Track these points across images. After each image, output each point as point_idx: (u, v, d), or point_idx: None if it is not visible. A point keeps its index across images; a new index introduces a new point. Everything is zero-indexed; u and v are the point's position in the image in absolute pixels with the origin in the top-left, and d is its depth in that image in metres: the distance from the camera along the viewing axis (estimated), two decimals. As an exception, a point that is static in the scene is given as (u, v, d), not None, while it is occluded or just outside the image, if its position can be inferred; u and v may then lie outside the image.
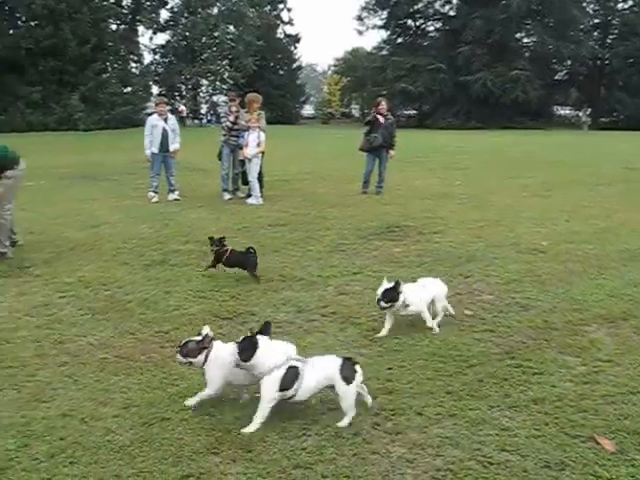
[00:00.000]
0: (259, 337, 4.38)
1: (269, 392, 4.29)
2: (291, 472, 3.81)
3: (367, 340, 5.80)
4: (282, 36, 72.68)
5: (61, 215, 11.88)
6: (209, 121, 61.29)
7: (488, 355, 5.44)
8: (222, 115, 14.42)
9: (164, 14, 63.65)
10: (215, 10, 62.84)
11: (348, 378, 4.32)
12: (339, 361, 4.38)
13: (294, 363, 4.36)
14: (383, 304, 5.88)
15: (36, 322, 6.26)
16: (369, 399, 4.58)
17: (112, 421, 4.38)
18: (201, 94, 66.19)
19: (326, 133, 46.36)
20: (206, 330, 4.61)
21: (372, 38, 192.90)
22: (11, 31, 51.12)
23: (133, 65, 61.86)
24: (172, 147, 13.62)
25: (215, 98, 66.75)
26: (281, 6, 71.02)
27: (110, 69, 56.35)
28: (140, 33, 64.37)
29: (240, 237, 9.91)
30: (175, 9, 63.45)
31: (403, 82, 59.36)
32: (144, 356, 5.44)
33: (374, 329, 6.04)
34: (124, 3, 62.07)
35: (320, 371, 4.36)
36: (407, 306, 5.92)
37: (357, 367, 4.43)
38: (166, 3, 62.74)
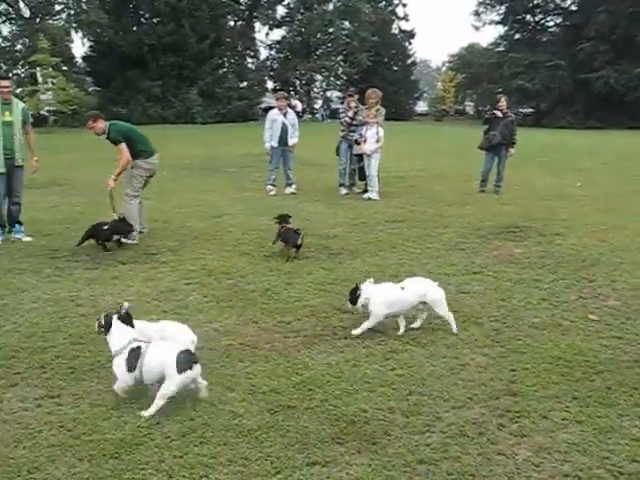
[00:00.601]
0: (115, 317, 4.75)
1: (120, 374, 4.56)
2: (416, 467, 3.82)
3: (490, 340, 5.72)
4: (397, 32, 72.40)
5: (183, 205, 12.30)
6: (323, 116, 61.80)
7: (616, 362, 5.26)
8: (341, 111, 14.43)
9: (280, 10, 64.77)
10: (331, 6, 63.29)
11: (181, 368, 4.36)
12: (176, 350, 4.43)
13: (138, 344, 4.59)
14: (348, 305, 5.97)
15: (164, 307, 6.52)
16: (204, 393, 4.59)
17: (239, 406, 4.51)
18: (315, 89, 66.84)
19: (440, 130, 45.87)
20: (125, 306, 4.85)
21: (488, 34, 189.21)
22: (135, 28, 53.27)
23: (249, 60, 63.18)
24: (291, 141, 13.85)
25: (329, 94, 67.28)
26: (396, 1, 70.79)
27: (227, 64, 57.81)
28: (257, 29, 65.66)
29: (357, 232, 9.98)
30: (291, 5, 64.33)
31: (520, 79, 57.82)
32: (268, 344, 5.57)
33: (496, 330, 5.95)
34: (242, 0, 63.47)
35: (159, 354, 4.48)
36: (367, 306, 5.84)
37: (195, 362, 4.45)
38: (282, 0, 63.74)
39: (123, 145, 9.32)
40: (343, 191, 13.90)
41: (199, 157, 21.41)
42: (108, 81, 51.17)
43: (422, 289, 5.91)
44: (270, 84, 65.43)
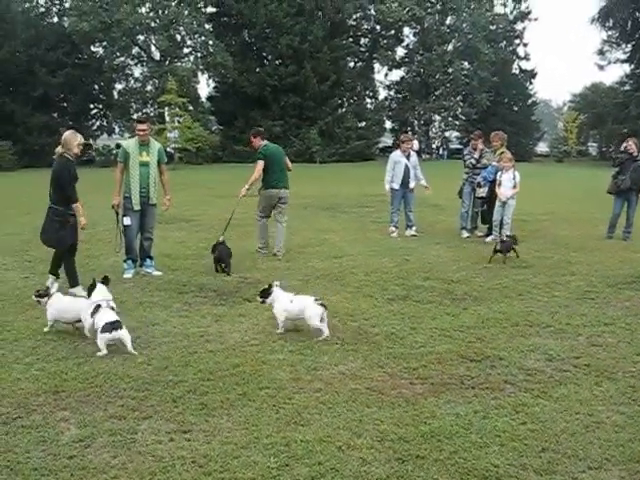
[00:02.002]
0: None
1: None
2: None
3: (626, 397, 5.44)
4: (517, 71, 71.37)
5: (306, 244, 12.47)
6: (440, 156, 61.48)
7: None
8: (465, 153, 14.26)
9: (400, 51, 65.26)
10: (450, 46, 63.28)
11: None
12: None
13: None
14: (259, 299, 7.36)
15: (289, 347, 6.58)
16: None
17: (367, 452, 4.47)
18: (433, 129, 66.73)
19: (562, 171, 44.67)
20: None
21: (613, 72, 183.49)
22: (258, 69, 54.97)
23: (368, 101, 63.85)
24: (412, 183, 13.76)
25: (447, 133, 66.98)
26: (517, 41, 69.86)
27: (346, 104, 58.69)
28: (376, 70, 66.34)
29: (480, 277, 9.80)
30: (410, 46, 64.74)
31: (648, 119, 55.68)
32: (394, 391, 5.51)
33: (632, 386, 5.66)
34: (362, 42, 64.49)
35: None
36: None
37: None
38: (402, 41, 64.23)
39: (260, 162, 11.36)
40: (465, 234, 13.71)
41: (319, 196, 21.71)
42: (231, 120, 52.96)
43: (303, 305, 7.02)
44: (388, 124, 65.88)
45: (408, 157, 13.75)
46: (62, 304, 7.13)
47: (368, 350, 6.49)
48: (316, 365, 6.07)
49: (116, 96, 58.79)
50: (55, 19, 59.16)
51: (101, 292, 6.94)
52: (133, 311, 7.88)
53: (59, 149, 8.71)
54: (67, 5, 58.41)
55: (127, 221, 9.84)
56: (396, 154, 13.90)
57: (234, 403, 5.25)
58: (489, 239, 13.05)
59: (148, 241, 10.08)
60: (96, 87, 57.52)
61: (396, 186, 13.70)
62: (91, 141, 57.23)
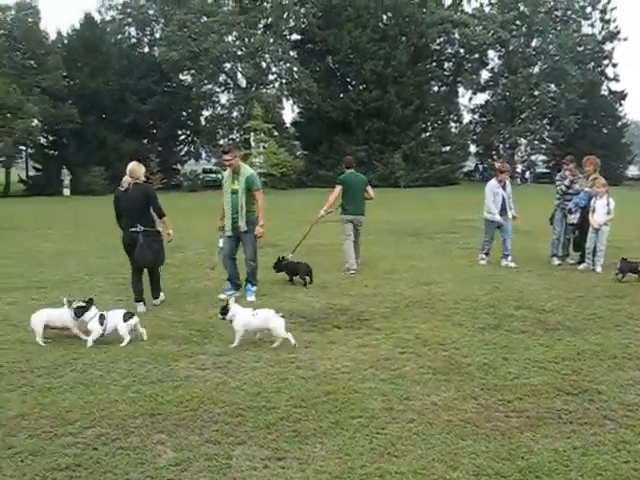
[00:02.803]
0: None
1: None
2: None
3: None
4: (606, 93, 69.67)
5: (393, 271, 12.42)
6: (525, 180, 60.42)
7: None
8: (557, 178, 13.89)
9: (484, 74, 64.78)
10: (536, 69, 62.40)
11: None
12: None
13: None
14: (219, 315, 7.81)
15: (381, 375, 6.54)
16: None
17: (464, 487, 4.39)
18: (519, 153, 65.67)
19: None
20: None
21: None
22: (342, 95, 55.50)
23: (452, 125, 63.59)
24: (510, 213, 13.29)
25: (533, 157, 65.79)
26: (606, 62, 68.24)
27: (430, 129, 58.51)
28: (460, 94, 66.08)
29: (574, 307, 9.52)
30: (495, 69, 64.19)
31: None
32: (489, 423, 5.40)
33: None
34: (445, 66, 64.31)
35: None
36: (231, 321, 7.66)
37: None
38: (486, 64, 63.77)
39: (338, 187, 12.70)
40: (556, 262, 13.36)
41: (403, 222, 21.64)
42: (315, 145, 53.57)
43: (265, 318, 7.57)
44: (473, 148, 65.29)
45: (504, 187, 13.30)
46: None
47: (460, 380, 6.38)
48: (408, 395, 6.01)
49: (203, 122, 60.45)
50: (146, 49, 61.58)
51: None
52: (224, 336, 7.98)
53: (128, 179, 9.49)
54: (157, 35, 60.75)
55: (220, 243, 10.35)
56: (493, 184, 13.19)
57: (327, 431, 5.25)
58: (581, 267, 12.70)
59: (248, 267, 10.22)
60: (184, 114, 59.28)
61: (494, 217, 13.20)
62: (179, 166, 58.92)
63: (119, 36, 60.04)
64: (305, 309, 9.35)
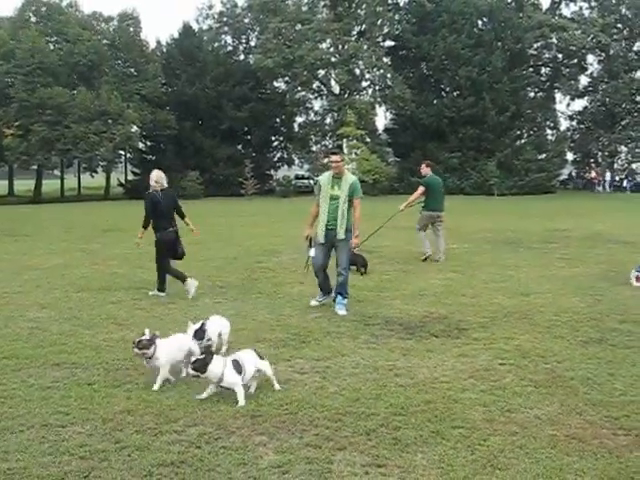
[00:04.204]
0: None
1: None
2: None
3: None
4: None
5: (490, 280, 12.20)
6: (623, 189, 58.33)
7: None
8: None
9: (583, 80, 62.99)
10: (639, 74, 60.17)
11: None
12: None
13: None
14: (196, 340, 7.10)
15: (480, 386, 6.44)
16: None
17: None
18: (619, 161, 63.41)
19: None
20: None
21: None
22: (435, 101, 55.02)
23: (549, 132, 62.07)
24: None
25: (634, 165, 63.39)
26: None
27: (526, 136, 57.28)
28: (557, 100, 64.46)
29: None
30: (595, 74, 62.32)
31: None
32: (595, 440, 5.23)
33: None
34: (542, 71, 62.86)
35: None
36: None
37: None
38: (585, 69, 61.97)
39: (421, 188, 14.74)
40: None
41: (499, 230, 21.22)
42: (407, 152, 53.28)
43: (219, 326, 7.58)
44: (570, 156, 63.50)
45: None
46: None
47: (564, 395, 6.21)
48: (510, 407, 5.89)
49: (296, 129, 61.12)
50: (241, 57, 62.73)
51: None
52: (321, 341, 8.05)
53: (155, 184, 10.98)
54: (253, 43, 61.86)
55: (311, 252, 9.87)
56: None
57: (427, 440, 5.21)
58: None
59: (339, 277, 9.70)
60: (278, 120, 60.08)
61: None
62: (272, 172, 59.78)
63: (216, 44, 61.40)
64: (402, 316, 9.31)
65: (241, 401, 6.00)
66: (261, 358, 6.38)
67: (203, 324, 7.25)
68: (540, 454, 4.97)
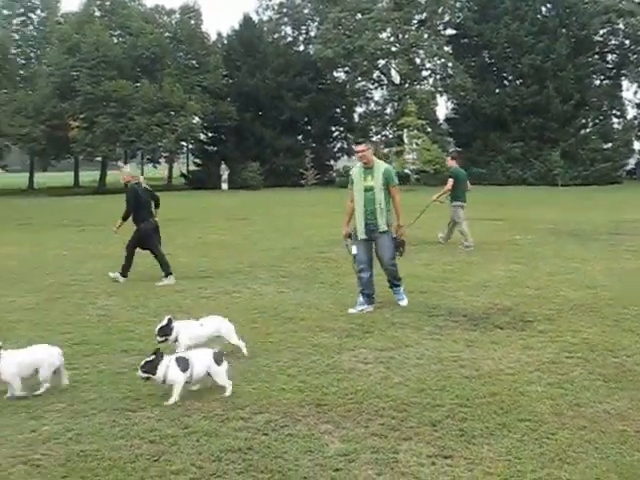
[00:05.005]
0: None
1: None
2: None
3: None
4: None
5: (554, 272, 11.98)
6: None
7: None
8: None
9: (652, 67, 61.05)
10: None
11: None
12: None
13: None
14: (158, 339, 6.92)
15: (547, 379, 6.35)
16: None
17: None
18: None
19: None
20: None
21: None
22: (497, 90, 54.10)
23: (615, 120, 60.33)
24: None
25: None
26: None
27: (591, 125, 55.85)
28: (624, 87, 62.62)
29: None
30: (665, 61, 60.41)
31: None
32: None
33: None
34: (609, 58, 61.20)
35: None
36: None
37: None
38: (655, 55, 60.08)
39: (451, 180, 15.46)
40: None
41: (564, 222, 20.80)
42: (469, 142, 52.59)
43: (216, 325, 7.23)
44: (637, 145, 61.74)
45: None
46: None
47: (634, 389, 6.07)
48: (578, 401, 5.80)
49: (356, 119, 60.87)
50: (301, 47, 62.76)
51: None
52: (385, 331, 8.07)
53: (132, 178, 12.17)
54: (312, 34, 61.82)
55: (354, 250, 9.45)
56: None
57: (494, 432, 5.17)
58: None
59: (387, 271, 9.39)
60: (338, 111, 59.89)
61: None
62: (332, 162, 59.79)
63: (275, 35, 61.56)
64: (466, 308, 9.24)
65: (172, 399, 5.90)
66: (218, 364, 6.10)
67: (170, 320, 7.01)
68: (610, 449, 4.89)
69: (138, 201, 11.80)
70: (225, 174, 49.80)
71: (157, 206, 12.20)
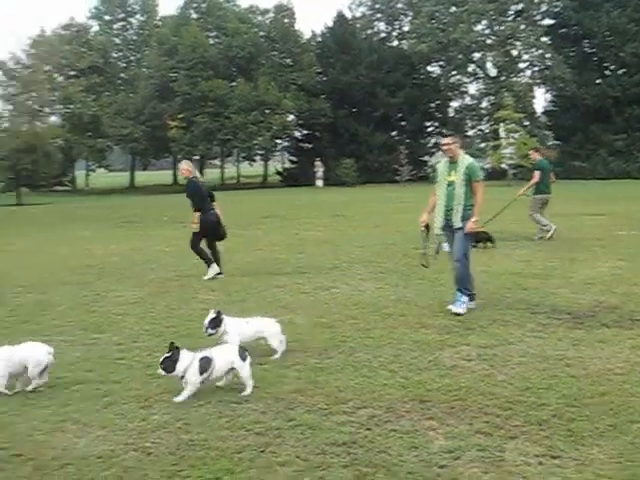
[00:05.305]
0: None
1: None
2: None
3: None
4: None
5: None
6: None
7: None
8: None
9: None
10: None
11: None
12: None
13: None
14: (210, 331, 7.00)
15: (656, 379, 6.13)
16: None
17: None
18: None
19: None
20: None
21: None
22: (598, 81, 52.32)
23: None
24: None
25: None
26: None
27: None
28: None
29: None
30: None
31: None
32: None
33: None
34: None
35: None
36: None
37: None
38: None
39: (537, 172, 15.70)
40: None
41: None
42: (568, 135, 51.12)
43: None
44: None
45: None
46: None
47: None
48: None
49: (451, 114, 60.20)
50: (395, 43, 62.50)
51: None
52: (486, 328, 7.94)
53: (189, 173, 12.29)
54: (406, 29, 61.44)
55: (446, 247, 9.32)
56: None
57: (604, 434, 5.02)
58: None
59: (455, 270, 8.97)
60: (432, 105, 59.40)
61: None
62: (426, 158, 59.34)
63: (369, 31, 61.56)
64: (570, 305, 8.98)
65: (181, 397, 5.94)
66: (243, 359, 6.06)
67: (219, 313, 7.07)
68: None
69: (201, 193, 12.14)
70: (320, 171, 50.14)
71: (212, 201, 12.42)
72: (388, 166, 51.01)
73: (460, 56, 54.25)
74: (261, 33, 59.32)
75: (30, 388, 6.35)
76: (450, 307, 8.77)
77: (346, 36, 56.68)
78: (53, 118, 58.27)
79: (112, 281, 12.06)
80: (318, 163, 50.57)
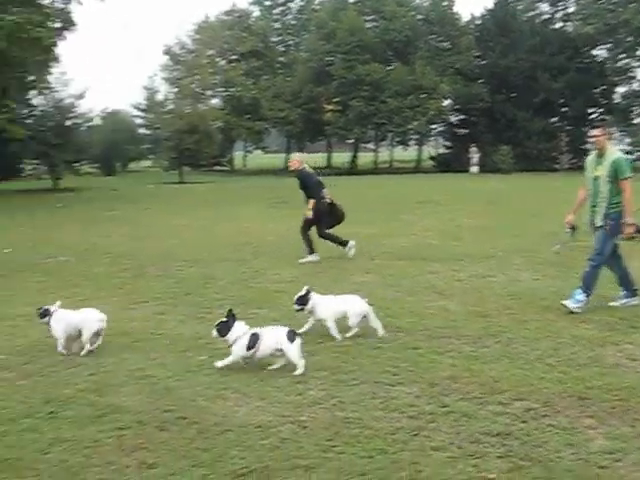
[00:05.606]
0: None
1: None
2: None
3: None
4: None
5: None
6: None
7: None
8: None
9: None
10: None
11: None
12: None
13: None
14: (296, 307, 7.27)
15: None
16: None
17: None
18: None
19: None
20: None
21: None
22: None
23: None
24: None
25: None
26: None
27: None
28: None
29: None
30: None
31: None
32: None
33: None
34: None
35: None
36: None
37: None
38: None
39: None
40: None
41: None
42: None
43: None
44: None
45: None
46: None
47: None
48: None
49: (617, 100, 57.09)
50: (558, 25, 59.95)
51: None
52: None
53: (301, 164, 12.77)
54: (571, 10, 58.75)
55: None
56: None
57: None
58: None
59: (587, 267, 8.51)
60: (596, 91, 56.52)
61: None
62: (588, 147, 56.67)
63: (531, 13, 59.41)
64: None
65: (221, 363, 6.33)
66: (291, 341, 6.22)
67: (308, 291, 7.29)
68: None
69: (312, 183, 12.61)
70: (475, 157, 49.09)
71: (322, 188, 12.80)
72: (547, 154, 49.29)
73: (630, 38, 51.19)
74: (419, 16, 58.74)
75: (83, 353, 6.89)
76: (564, 302, 8.34)
77: (507, 18, 55.08)
78: (214, 100, 60.38)
79: (269, 259, 12.48)
80: (474, 149, 49.50)
